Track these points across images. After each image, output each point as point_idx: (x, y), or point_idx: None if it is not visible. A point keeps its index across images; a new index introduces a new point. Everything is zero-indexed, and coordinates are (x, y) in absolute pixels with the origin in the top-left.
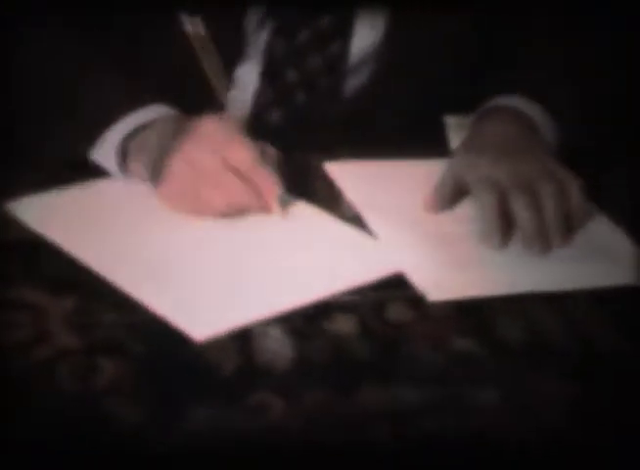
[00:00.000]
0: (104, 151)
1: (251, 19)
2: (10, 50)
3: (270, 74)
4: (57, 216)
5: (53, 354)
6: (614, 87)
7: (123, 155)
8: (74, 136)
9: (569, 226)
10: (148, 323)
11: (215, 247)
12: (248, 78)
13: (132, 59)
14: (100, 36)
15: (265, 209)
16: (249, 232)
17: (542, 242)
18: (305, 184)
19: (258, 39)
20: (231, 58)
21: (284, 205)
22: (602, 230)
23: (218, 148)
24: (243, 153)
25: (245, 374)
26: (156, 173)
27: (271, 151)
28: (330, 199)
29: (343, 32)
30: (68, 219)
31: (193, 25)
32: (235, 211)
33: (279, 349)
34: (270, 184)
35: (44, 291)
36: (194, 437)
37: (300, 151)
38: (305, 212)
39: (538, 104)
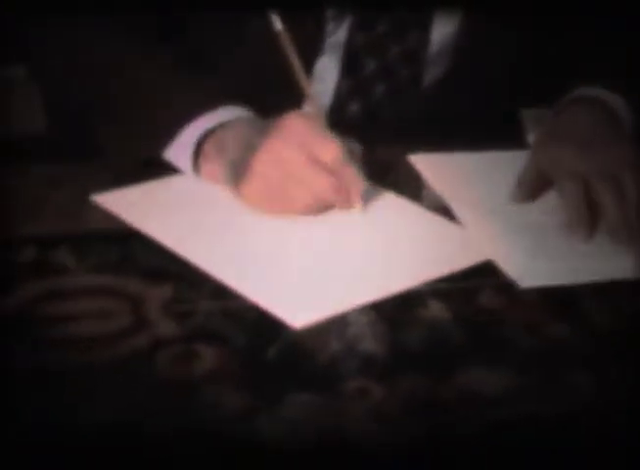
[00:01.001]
0: (178, 151)
1: (330, 12)
2: (89, 51)
3: (350, 67)
4: (146, 208)
5: (152, 343)
6: None
7: (197, 156)
8: (151, 136)
9: None
10: (244, 311)
11: (307, 237)
12: (327, 72)
13: (209, 59)
14: (176, 36)
15: (350, 204)
16: (339, 223)
17: (628, 231)
18: (390, 176)
19: (337, 32)
20: (310, 52)
21: (368, 199)
22: None
23: (304, 143)
24: (329, 148)
25: (342, 361)
26: (235, 174)
27: (355, 146)
28: (415, 190)
29: (423, 22)
30: (157, 211)
31: (271, 23)
32: (320, 207)
33: (374, 335)
34: (356, 179)
35: (141, 280)
36: (293, 424)
37: (381, 143)
38: (393, 204)
39: (619, 93)
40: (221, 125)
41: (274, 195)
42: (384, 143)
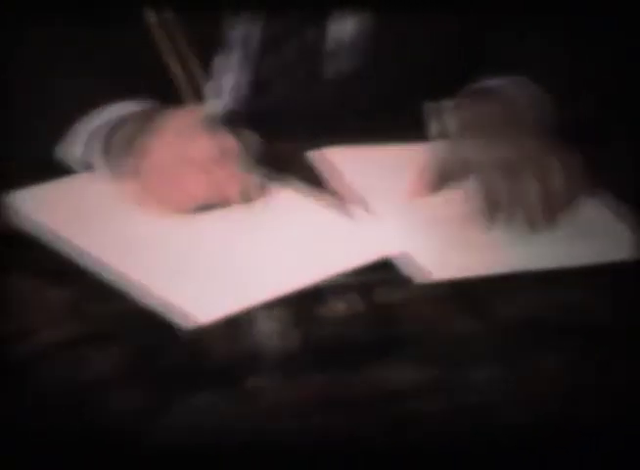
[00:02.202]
0: (70, 148)
1: (228, 11)
2: None
3: (249, 63)
4: (51, 208)
5: (48, 344)
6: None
7: (91, 153)
8: (45, 135)
9: (556, 206)
10: (141, 312)
11: (205, 235)
12: (226, 68)
13: (101, 55)
14: (68, 33)
15: (228, 203)
16: (239, 220)
17: (530, 222)
18: (290, 172)
19: (236, 28)
20: (209, 49)
21: (268, 195)
22: (591, 208)
23: (178, 142)
24: (204, 146)
25: (239, 359)
26: (121, 171)
27: (250, 138)
28: (316, 185)
29: (321, 17)
30: (51, 212)
31: (161, 19)
32: (198, 206)
33: (271, 333)
34: (235, 177)
35: (39, 281)
36: (189, 423)
37: (283, 139)
38: (293, 200)
39: (525, 84)
40: (112, 122)
41: (149, 193)
42: (284, 138)
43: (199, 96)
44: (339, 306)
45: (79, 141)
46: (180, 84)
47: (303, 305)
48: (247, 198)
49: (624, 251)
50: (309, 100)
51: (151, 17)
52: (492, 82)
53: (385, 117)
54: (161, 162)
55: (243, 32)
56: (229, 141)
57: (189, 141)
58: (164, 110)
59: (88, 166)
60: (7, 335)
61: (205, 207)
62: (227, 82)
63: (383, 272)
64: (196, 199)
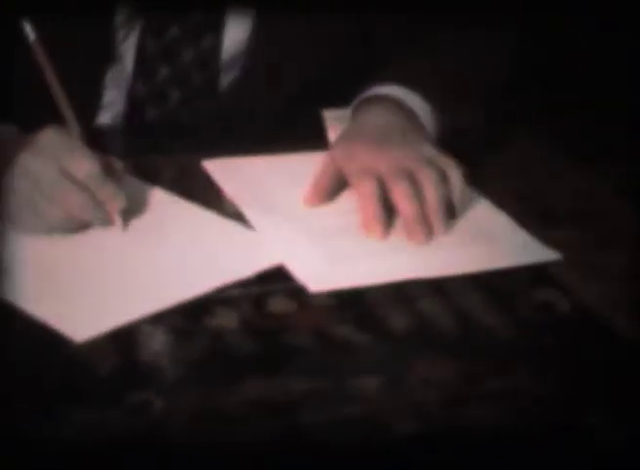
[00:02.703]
0: None
1: (120, 18)
2: None
3: (143, 73)
4: None
5: None
6: (491, 73)
7: None
8: None
9: (450, 212)
10: (24, 327)
11: (92, 248)
12: (119, 79)
13: None
14: None
15: (107, 221)
16: (125, 232)
17: (424, 229)
18: (184, 182)
19: (128, 39)
20: (100, 60)
21: (160, 205)
22: (484, 214)
23: (56, 159)
24: (83, 163)
25: (124, 374)
26: None
27: (116, 163)
28: (210, 197)
29: (215, 26)
30: None
31: (32, 33)
32: (75, 224)
33: (159, 347)
34: (113, 197)
35: None
36: (71, 438)
37: (178, 149)
38: (184, 210)
39: (416, 91)
40: None
41: (25, 211)
42: (180, 149)
43: (77, 114)
44: (226, 317)
45: None
46: (59, 102)
47: (191, 316)
48: (126, 217)
49: (517, 255)
50: (205, 110)
51: (30, 33)
52: (386, 89)
53: (282, 125)
54: (39, 177)
55: (136, 43)
56: (113, 161)
57: (69, 158)
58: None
59: None
60: None
61: (85, 224)
62: (119, 94)
63: (274, 283)
64: (75, 217)
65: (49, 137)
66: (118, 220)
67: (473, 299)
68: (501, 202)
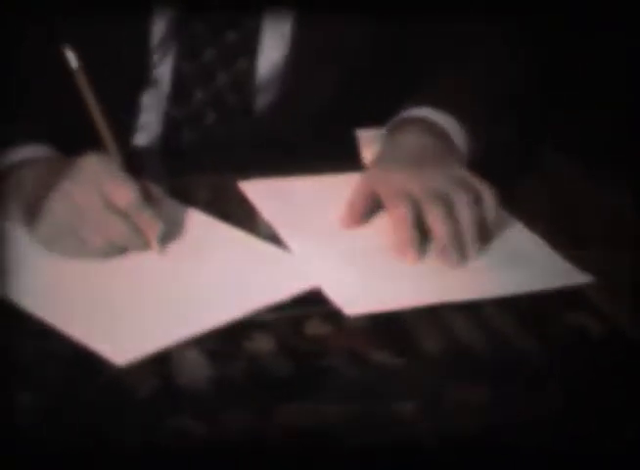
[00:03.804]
0: None
1: (154, 43)
2: None
3: (179, 96)
4: None
5: None
6: (523, 99)
7: None
8: None
9: (484, 235)
10: (66, 350)
11: (130, 271)
12: (155, 103)
13: (10, 99)
14: None
15: (146, 247)
16: (164, 255)
17: (458, 252)
18: (220, 204)
19: (163, 63)
20: (135, 85)
21: (197, 227)
22: (518, 237)
23: (98, 187)
24: (124, 191)
25: (162, 397)
26: (31, 214)
27: (154, 190)
28: (245, 218)
29: (250, 48)
30: None
31: (74, 60)
32: (115, 251)
33: (197, 370)
34: (152, 223)
35: None
36: (120, 459)
37: (214, 171)
38: (221, 232)
39: (449, 113)
40: (19, 164)
41: (66, 237)
42: (217, 171)
43: (118, 142)
44: (264, 341)
45: None
46: (100, 128)
47: (229, 340)
48: (163, 240)
49: (550, 278)
50: (240, 131)
51: (73, 60)
52: (420, 112)
53: (316, 146)
54: (81, 205)
55: (172, 65)
56: (151, 188)
57: (110, 185)
58: (76, 156)
59: None
60: None
61: (124, 250)
62: (156, 116)
63: (310, 305)
64: (115, 244)
65: (91, 164)
66: (156, 245)
67: (506, 322)
68: (532, 222)
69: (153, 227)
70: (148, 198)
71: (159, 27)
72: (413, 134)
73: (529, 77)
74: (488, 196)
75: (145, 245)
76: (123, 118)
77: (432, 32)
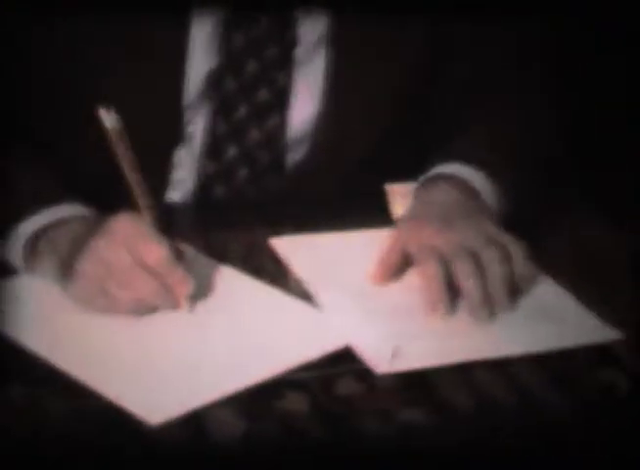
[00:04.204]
0: (13, 249)
1: (187, 101)
2: None
3: (212, 152)
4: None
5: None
6: (552, 150)
7: (32, 254)
8: None
9: (514, 291)
10: (100, 409)
11: (161, 329)
12: (188, 159)
13: (45, 155)
14: (12, 130)
15: (176, 306)
16: (195, 313)
17: (488, 309)
18: (252, 259)
19: (197, 119)
20: (170, 140)
21: (228, 284)
22: (547, 292)
23: (129, 245)
24: (154, 250)
25: (194, 457)
26: (64, 273)
27: (184, 248)
28: (277, 274)
29: (281, 105)
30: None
31: (110, 120)
32: (145, 309)
33: (229, 430)
34: (182, 282)
35: None
36: None
37: (245, 227)
38: (252, 289)
39: (479, 170)
40: (56, 223)
41: (97, 295)
42: (247, 226)
43: (150, 199)
44: (296, 401)
45: (18, 242)
46: (134, 189)
47: (261, 399)
48: (195, 296)
49: (579, 335)
50: (272, 187)
51: (107, 120)
52: (450, 168)
53: (346, 201)
54: (112, 264)
55: (205, 123)
56: (181, 246)
57: (141, 245)
58: (109, 214)
59: (27, 267)
60: None
61: (154, 308)
62: (189, 172)
63: (341, 364)
64: (144, 303)
65: (122, 223)
66: (185, 304)
67: (535, 378)
68: (560, 277)
69: (183, 286)
70: (178, 256)
71: (193, 85)
72: (443, 191)
73: (562, 128)
74: (518, 252)
75: (174, 304)
76: (157, 175)
77: (463, 83)
